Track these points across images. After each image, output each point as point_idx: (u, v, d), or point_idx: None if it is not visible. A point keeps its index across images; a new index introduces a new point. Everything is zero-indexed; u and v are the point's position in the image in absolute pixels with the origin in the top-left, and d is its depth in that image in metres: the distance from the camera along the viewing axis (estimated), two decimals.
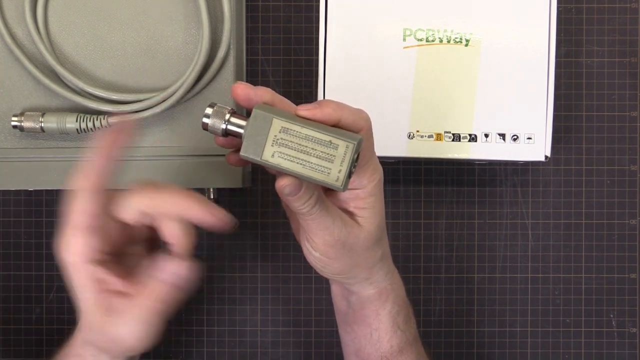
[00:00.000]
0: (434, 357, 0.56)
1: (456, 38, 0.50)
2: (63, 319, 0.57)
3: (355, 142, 0.38)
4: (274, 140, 0.39)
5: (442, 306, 0.57)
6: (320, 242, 0.42)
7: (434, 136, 0.50)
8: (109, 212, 0.41)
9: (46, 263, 0.57)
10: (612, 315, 0.56)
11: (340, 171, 0.38)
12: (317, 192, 0.40)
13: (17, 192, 0.57)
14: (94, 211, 0.40)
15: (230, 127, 0.41)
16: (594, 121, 0.56)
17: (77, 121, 0.50)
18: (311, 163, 0.39)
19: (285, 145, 0.39)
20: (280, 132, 0.39)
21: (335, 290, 0.48)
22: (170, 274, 0.41)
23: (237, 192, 0.57)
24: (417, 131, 0.50)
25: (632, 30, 0.56)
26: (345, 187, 0.39)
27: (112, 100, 0.51)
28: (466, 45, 0.50)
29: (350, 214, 0.43)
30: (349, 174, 0.39)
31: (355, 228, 0.42)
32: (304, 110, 0.39)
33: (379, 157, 0.52)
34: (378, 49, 0.50)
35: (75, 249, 0.40)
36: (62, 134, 0.51)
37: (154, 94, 0.51)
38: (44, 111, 0.51)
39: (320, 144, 0.39)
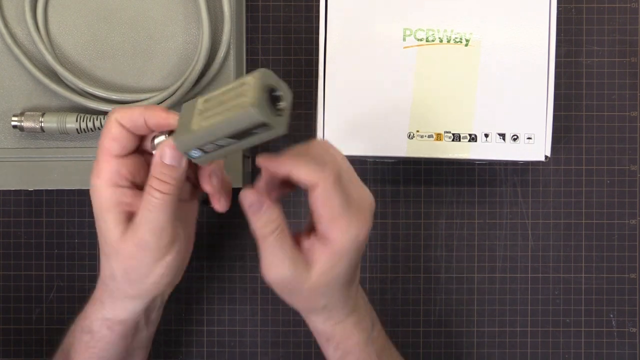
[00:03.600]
0: (434, 357, 0.56)
1: (456, 38, 0.50)
2: (63, 319, 0.57)
3: (261, 71, 0.37)
4: (199, 113, 0.39)
5: (442, 306, 0.57)
6: (265, 269, 0.42)
7: (434, 136, 0.50)
8: (137, 144, 0.43)
9: (46, 263, 0.57)
10: (612, 315, 0.56)
11: (253, 97, 0.36)
12: (280, 223, 0.41)
13: (17, 192, 0.57)
14: (123, 138, 0.42)
15: (171, 133, 0.41)
16: (594, 121, 0.56)
17: (77, 121, 0.50)
18: (228, 106, 0.38)
19: (207, 110, 0.39)
20: (203, 104, 0.39)
21: None
22: (155, 156, 0.42)
23: (237, 192, 0.57)
24: (417, 131, 0.50)
25: (632, 30, 0.56)
26: (259, 107, 0.36)
27: (112, 100, 0.51)
28: (466, 45, 0.50)
29: (310, 260, 0.42)
30: (265, 98, 0.37)
31: (302, 276, 0.42)
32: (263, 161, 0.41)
33: (379, 158, 0.52)
34: (378, 49, 0.50)
35: (104, 173, 0.42)
36: (62, 134, 0.51)
37: (154, 94, 0.51)
38: (44, 111, 0.51)
39: (234, 90, 0.38)
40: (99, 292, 0.46)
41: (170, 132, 0.42)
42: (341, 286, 0.43)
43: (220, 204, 0.46)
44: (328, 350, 0.46)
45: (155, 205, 0.42)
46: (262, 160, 0.41)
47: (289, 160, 0.40)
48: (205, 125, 0.38)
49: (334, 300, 0.44)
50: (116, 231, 0.42)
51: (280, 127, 0.37)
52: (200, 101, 0.39)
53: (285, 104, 0.38)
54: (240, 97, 0.37)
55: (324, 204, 0.40)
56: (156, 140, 0.42)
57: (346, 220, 0.41)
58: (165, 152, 0.41)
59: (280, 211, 0.42)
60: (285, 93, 0.38)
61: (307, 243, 0.42)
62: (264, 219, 0.41)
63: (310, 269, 0.42)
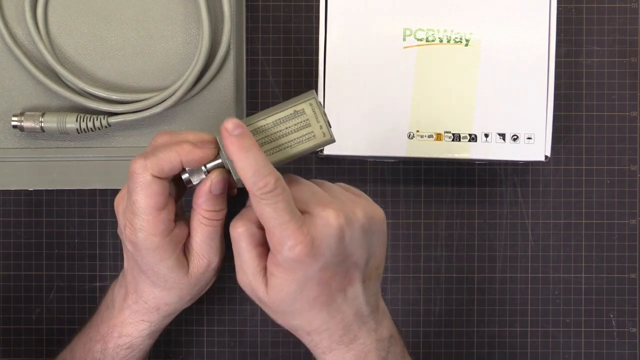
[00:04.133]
0: (434, 357, 0.56)
1: (456, 38, 0.50)
2: (63, 319, 0.57)
3: (314, 96, 0.41)
4: None
5: (442, 306, 0.57)
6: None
7: (434, 136, 0.50)
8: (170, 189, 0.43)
9: (46, 263, 0.57)
10: (612, 315, 0.56)
11: (321, 127, 0.41)
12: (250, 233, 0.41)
13: (17, 192, 0.57)
14: (165, 188, 0.41)
15: (209, 165, 0.42)
16: (594, 121, 0.56)
17: (77, 121, 0.50)
18: (295, 139, 0.41)
19: (265, 143, 0.41)
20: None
21: None
22: (202, 189, 0.42)
23: (236, 191, 0.57)
24: (417, 131, 0.50)
25: (632, 30, 0.56)
26: (333, 135, 0.41)
27: (112, 100, 0.51)
28: (466, 45, 0.50)
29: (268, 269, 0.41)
30: (329, 124, 0.41)
31: (259, 289, 0.41)
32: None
33: (379, 158, 0.52)
34: (378, 49, 0.50)
35: (158, 229, 0.41)
36: (62, 134, 0.51)
37: (154, 94, 0.51)
38: (44, 111, 0.51)
39: (289, 120, 0.41)
40: (144, 315, 0.46)
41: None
42: (309, 305, 0.41)
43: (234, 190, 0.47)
44: None
45: (215, 232, 0.44)
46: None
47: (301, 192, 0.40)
48: (275, 159, 0.41)
49: (306, 321, 0.42)
50: (182, 270, 0.44)
51: (334, 137, 0.42)
52: None
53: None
54: (307, 127, 0.41)
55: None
56: (190, 175, 0.42)
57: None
58: (216, 186, 0.42)
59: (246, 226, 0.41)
60: None
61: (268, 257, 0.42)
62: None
63: (266, 283, 0.41)
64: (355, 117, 0.50)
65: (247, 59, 0.56)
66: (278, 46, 0.56)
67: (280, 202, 0.38)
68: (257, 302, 0.42)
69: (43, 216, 0.57)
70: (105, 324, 0.47)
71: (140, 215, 0.41)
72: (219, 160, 0.41)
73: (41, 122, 0.50)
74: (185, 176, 0.42)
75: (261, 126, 0.40)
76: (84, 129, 0.51)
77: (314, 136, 0.41)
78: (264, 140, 0.41)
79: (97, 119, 0.50)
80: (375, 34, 0.50)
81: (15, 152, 0.52)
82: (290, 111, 0.40)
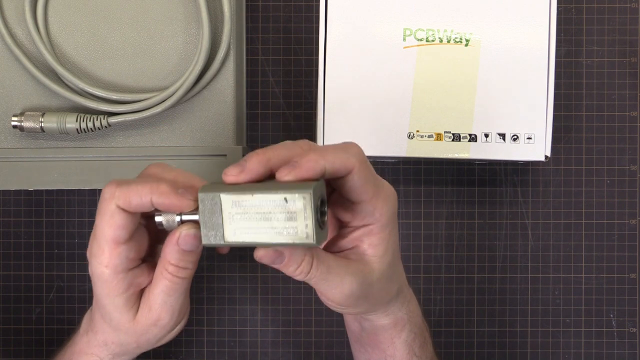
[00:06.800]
0: None
1: (456, 38, 0.50)
2: (63, 319, 0.57)
3: (311, 190, 0.35)
4: (230, 218, 0.36)
5: (442, 306, 0.57)
6: (330, 299, 0.40)
7: (434, 136, 0.50)
8: (139, 220, 0.40)
9: (46, 263, 0.57)
10: (612, 315, 0.56)
11: (307, 226, 0.35)
12: (310, 256, 0.37)
13: (17, 192, 0.57)
14: (129, 223, 0.39)
15: (185, 217, 0.38)
16: (594, 121, 0.56)
17: (77, 121, 0.50)
18: (275, 228, 0.35)
19: (243, 219, 0.36)
20: (232, 207, 0.36)
21: (346, 316, 0.47)
22: (171, 239, 0.39)
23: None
24: (417, 131, 0.50)
25: (632, 30, 0.56)
26: (319, 240, 0.35)
27: (112, 100, 0.51)
28: (466, 45, 0.50)
29: (362, 253, 0.40)
30: (319, 224, 0.36)
31: (367, 274, 0.40)
32: (285, 172, 0.36)
33: (379, 158, 0.52)
34: (378, 49, 0.50)
35: (112, 262, 0.39)
36: (62, 134, 0.51)
37: (154, 94, 0.51)
38: (44, 111, 0.51)
39: (276, 205, 0.35)
40: (95, 348, 0.43)
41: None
42: (398, 260, 0.43)
43: None
44: (400, 339, 0.45)
45: (174, 289, 0.40)
46: (291, 171, 0.36)
47: (318, 156, 0.36)
48: (246, 240, 0.36)
49: (401, 277, 0.44)
50: (128, 314, 0.41)
51: (321, 241, 0.36)
52: (226, 200, 0.36)
53: (326, 216, 0.37)
54: (291, 221, 0.35)
55: (365, 183, 0.38)
56: (163, 218, 0.38)
57: (384, 191, 0.40)
58: (184, 240, 0.38)
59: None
60: (325, 202, 0.37)
61: (347, 242, 0.40)
62: (294, 264, 0.37)
63: (368, 261, 0.40)
64: (355, 117, 0.50)
65: (247, 59, 0.56)
66: (278, 46, 0.56)
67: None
68: (359, 298, 0.40)
69: (43, 216, 0.57)
70: (69, 349, 0.45)
71: (98, 241, 0.39)
72: (196, 217, 0.37)
73: (41, 122, 0.50)
74: (158, 218, 0.38)
75: (245, 200, 0.36)
76: (84, 129, 0.51)
77: (295, 233, 0.35)
78: (241, 217, 0.36)
79: (97, 119, 0.50)
80: (375, 34, 0.50)
81: (15, 152, 0.52)
82: (280, 197, 0.35)
